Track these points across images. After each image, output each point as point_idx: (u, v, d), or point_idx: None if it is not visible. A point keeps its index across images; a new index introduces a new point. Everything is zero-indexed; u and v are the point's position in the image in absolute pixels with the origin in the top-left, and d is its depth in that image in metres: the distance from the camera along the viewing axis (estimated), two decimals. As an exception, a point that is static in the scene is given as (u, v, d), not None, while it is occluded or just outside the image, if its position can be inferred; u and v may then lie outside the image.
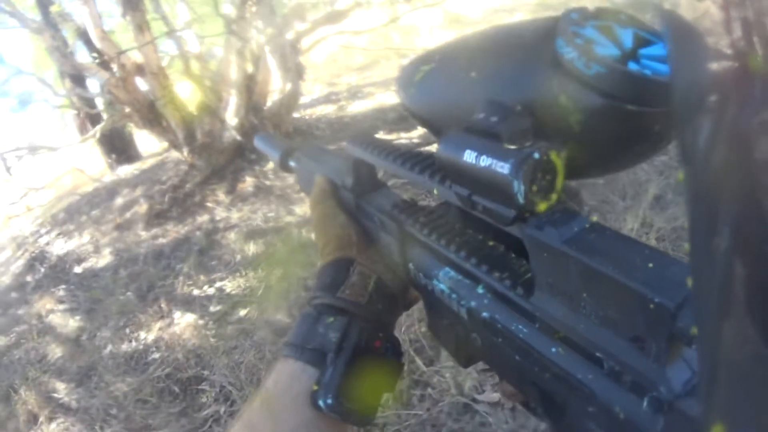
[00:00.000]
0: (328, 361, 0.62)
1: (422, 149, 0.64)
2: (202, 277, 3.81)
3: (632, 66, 0.41)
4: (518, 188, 0.43)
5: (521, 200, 0.43)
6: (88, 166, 5.88)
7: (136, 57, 4.81)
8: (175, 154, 5.58)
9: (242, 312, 3.32)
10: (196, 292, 3.70)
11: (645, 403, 0.38)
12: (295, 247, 3.71)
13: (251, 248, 3.91)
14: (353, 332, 0.65)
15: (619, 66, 0.40)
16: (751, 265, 0.26)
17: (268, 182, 4.64)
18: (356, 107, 6.29)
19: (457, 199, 0.52)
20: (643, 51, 0.42)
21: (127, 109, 4.99)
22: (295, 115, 5.82)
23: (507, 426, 2.06)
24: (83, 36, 5.44)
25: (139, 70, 4.88)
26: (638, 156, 0.47)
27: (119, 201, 5.51)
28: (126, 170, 6.43)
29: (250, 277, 3.63)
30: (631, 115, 0.41)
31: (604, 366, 0.41)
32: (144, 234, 4.65)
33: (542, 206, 0.45)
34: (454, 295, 0.59)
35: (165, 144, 5.94)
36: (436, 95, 0.58)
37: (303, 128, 5.60)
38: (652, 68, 0.41)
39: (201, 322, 3.37)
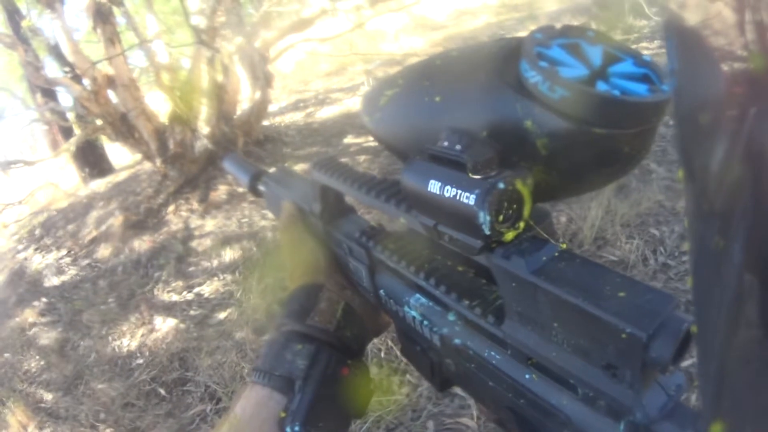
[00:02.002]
0: (296, 388, 0.63)
1: (388, 178, 0.64)
2: (180, 283, 3.91)
3: (600, 86, 0.40)
4: (484, 219, 0.42)
5: (487, 231, 0.43)
6: (62, 180, 5.91)
7: (107, 70, 4.86)
8: (147, 166, 5.64)
9: (222, 314, 3.43)
10: (175, 297, 3.81)
11: (621, 428, 0.39)
12: (271, 249, 3.82)
13: (227, 253, 4.02)
14: (321, 359, 0.65)
15: (585, 88, 0.39)
16: (759, 271, 0.27)
17: (240, 189, 4.71)
18: (324, 113, 6.39)
19: (423, 229, 0.51)
20: (613, 68, 0.42)
21: (100, 122, 5.04)
22: (265, 122, 5.91)
23: None
24: (54, 50, 5.48)
25: (111, 82, 4.92)
26: (608, 177, 0.46)
27: (95, 214, 5.56)
28: (99, 183, 6.47)
29: (228, 281, 3.74)
30: (599, 137, 0.40)
31: (579, 392, 0.42)
32: (121, 245, 4.72)
33: (509, 235, 0.44)
34: (425, 322, 0.58)
35: (137, 156, 5.95)
36: (400, 120, 0.56)
37: (273, 135, 5.69)
38: (621, 87, 0.40)
39: (182, 326, 3.47)
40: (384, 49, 8.06)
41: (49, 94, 6.42)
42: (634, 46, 0.47)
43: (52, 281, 4.81)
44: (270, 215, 4.12)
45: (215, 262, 3.99)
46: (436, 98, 0.50)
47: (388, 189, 0.61)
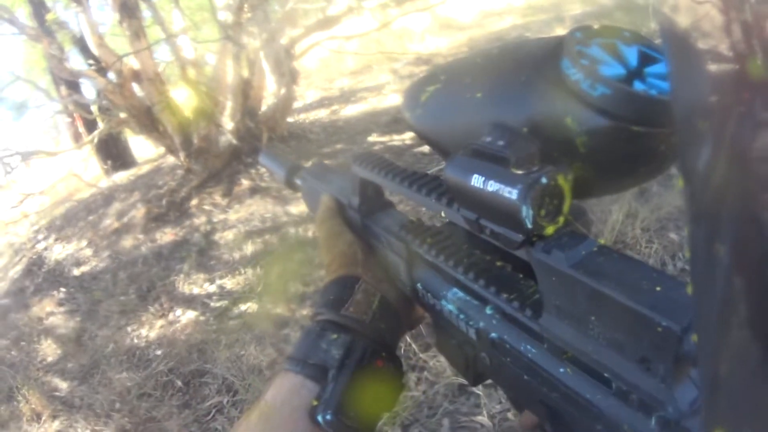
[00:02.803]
0: (329, 377, 0.62)
1: (428, 171, 0.64)
2: (202, 276, 3.88)
3: (638, 85, 0.40)
4: (526, 213, 0.43)
5: (529, 225, 0.43)
6: (84, 172, 5.92)
7: (132, 63, 4.86)
8: (170, 160, 5.66)
9: (242, 307, 3.39)
10: (196, 290, 3.77)
11: (653, 422, 0.39)
12: (293, 244, 3.79)
13: (249, 247, 3.98)
14: (356, 350, 0.65)
15: (624, 87, 0.40)
16: (749, 274, 0.27)
17: (263, 184, 4.71)
18: (349, 111, 6.38)
19: (464, 222, 0.52)
20: (649, 69, 0.42)
21: (124, 115, 5.06)
22: (290, 119, 5.90)
23: (500, 406, 2.11)
24: (79, 43, 5.49)
25: (136, 76, 4.94)
26: (645, 175, 0.47)
27: (116, 206, 5.56)
28: (122, 176, 6.49)
29: (249, 275, 3.69)
30: (636, 135, 0.41)
31: (612, 386, 0.42)
32: (142, 237, 4.71)
33: (550, 230, 0.45)
34: (462, 316, 0.59)
35: (160, 149, 6.03)
36: (442, 116, 0.57)
37: (297, 132, 5.68)
38: (657, 87, 0.40)
39: (202, 318, 3.44)
40: (410, 49, 8.06)
41: (73, 86, 6.42)
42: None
43: (72, 271, 4.80)
44: (293, 211, 4.10)
45: (237, 256, 3.95)
46: (478, 94, 0.52)
47: (429, 183, 0.61)
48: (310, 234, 3.82)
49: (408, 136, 4.84)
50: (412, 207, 3.13)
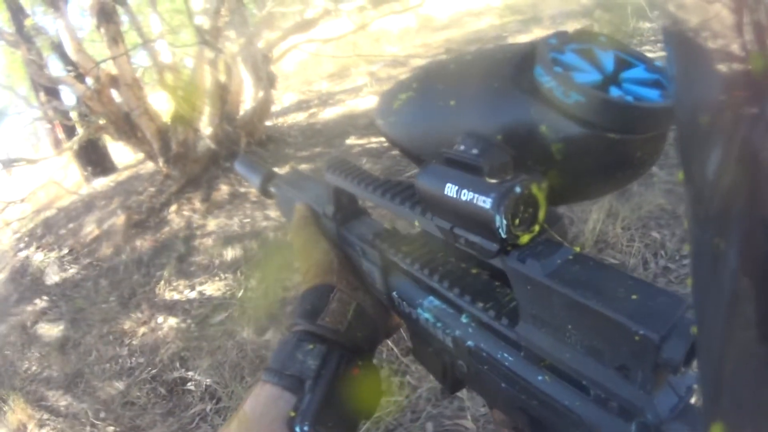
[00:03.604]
0: (306, 387, 0.63)
1: (401, 179, 0.66)
2: (182, 282, 3.93)
3: (613, 91, 0.41)
4: (500, 223, 0.43)
5: (503, 234, 0.43)
6: (64, 179, 5.93)
7: (110, 69, 4.87)
8: (149, 165, 5.67)
9: (223, 314, 3.44)
10: (177, 296, 3.82)
11: (633, 428, 0.39)
12: (272, 250, 3.84)
13: (229, 253, 4.03)
14: (332, 360, 0.65)
15: (599, 94, 0.40)
16: (756, 275, 0.26)
17: (242, 189, 4.75)
18: (327, 114, 6.40)
19: (438, 231, 0.52)
20: (625, 74, 0.43)
21: (103, 121, 5.05)
22: (268, 123, 5.93)
23: (484, 409, 2.13)
24: (57, 49, 5.48)
25: (114, 81, 4.93)
26: (622, 181, 0.47)
27: (97, 213, 5.58)
28: (102, 182, 6.49)
29: (229, 281, 3.75)
30: (612, 142, 0.41)
31: (591, 393, 0.42)
32: (123, 244, 4.73)
33: (525, 238, 0.45)
34: (438, 324, 0.59)
35: (139, 155, 6.00)
36: (414, 124, 0.57)
37: (276, 136, 5.71)
38: (633, 93, 0.41)
39: (183, 325, 3.48)
40: (387, 51, 8.08)
41: (52, 92, 6.43)
42: (638, 49, 0.47)
43: (54, 279, 4.82)
44: (272, 216, 4.15)
45: (217, 262, 4.00)
46: (451, 102, 0.51)
47: (403, 192, 0.61)
48: (288, 238, 3.83)
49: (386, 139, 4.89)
50: (387, 214, 3.18)
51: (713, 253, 0.28)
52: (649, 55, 0.45)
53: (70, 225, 5.65)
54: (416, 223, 0.58)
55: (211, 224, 4.50)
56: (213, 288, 3.76)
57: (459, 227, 0.48)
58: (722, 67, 0.27)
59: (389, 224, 0.74)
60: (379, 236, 0.70)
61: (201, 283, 3.85)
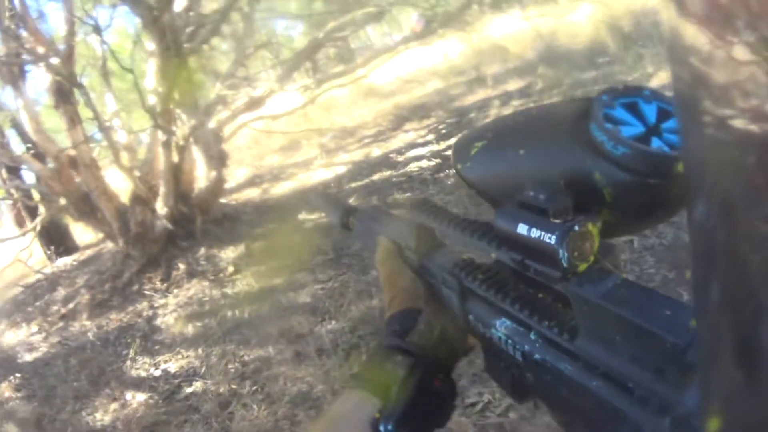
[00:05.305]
0: (392, 393, 0.68)
1: (477, 219, 0.73)
2: (147, 361, 4.22)
3: (655, 142, 0.48)
4: (563, 255, 0.51)
5: (565, 264, 0.51)
6: (29, 258, 6.12)
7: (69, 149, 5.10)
8: (111, 245, 5.92)
9: (188, 389, 3.73)
10: (143, 374, 4.11)
11: (667, 422, 0.44)
12: (230, 326, 4.17)
13: (190, 330, 4.34)
14: (418, 370, 0.70)
15: (641, 147, 0.47)
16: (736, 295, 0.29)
17: (200, 267, 5.09)
18: (279, 189, 6.72)
19: (512, 262, 0.60)
20: (665, 125, 0.49)
21: (63, 201, 5.29)
22: (224, 200, 6.22)
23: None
24: (18, 126, 5.64)
25: (73, 162, 5.21)
26: (661, 218, 0.55)
27: (62, 291, 5.83)
28: (65, 261, 6.74)
29: (191, 357, 4.05)
30: (653, 187, 0.48)
31: (634, 393, 0.48)
32: (89, 323, 5.00)
33: (582, 267, 0.52)
34: (510, 341, 0.65)
35: (101, 235, 6.22)
36: (489, 169, 0.65)
37: (231, 213, 6.03)
38: (672, 142, 0.48)
39: (152, 401, 3.76)
40: (336, 121, 8.39)
41: (14, 171, 6.53)
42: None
43: (25, 357, 5.03)
44: (230, 293, 4.44)
45: (178, 340, 4.30)
46: (521, 151, 0.59)
47: (480, 228, 0.70)
48: (246, 315, 4.23)
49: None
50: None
51: (703, 286, 0.31)
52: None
53: (37, 303, 5.91)
54: (492, 255, 0.66)
55: (172, 303, 4.80)
56: (176, 365, 4.04)
57: (529, 259, 0.57)
58: (727, 129, 0.26)
59: (465, 256, 0.79)
60: (458, 265, 0.75)
61: (165, 361, 4.13)
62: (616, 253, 0.56)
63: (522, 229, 0.55)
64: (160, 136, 5.14)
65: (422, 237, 0.84)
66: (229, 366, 3.76)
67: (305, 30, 6.66)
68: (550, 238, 0.52)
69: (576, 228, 0.51)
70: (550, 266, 0.53)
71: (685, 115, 0.31)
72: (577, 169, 0.52)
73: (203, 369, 3.87)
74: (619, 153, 0.48)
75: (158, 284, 5.11)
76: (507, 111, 6.81)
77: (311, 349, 3.54)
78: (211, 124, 5.80)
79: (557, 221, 0.52)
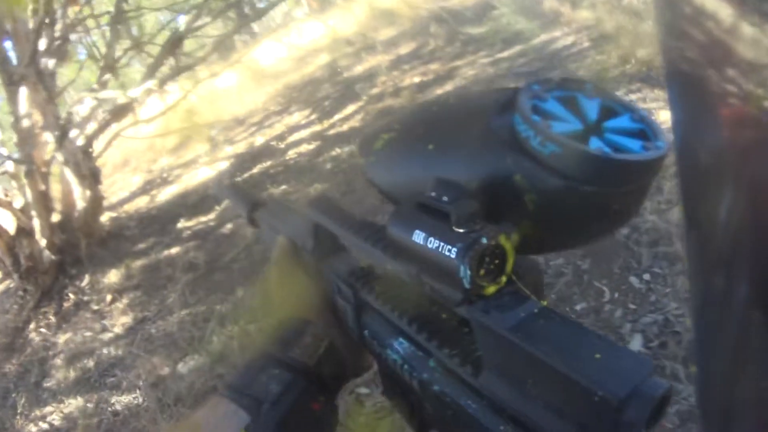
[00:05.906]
0: (263, 410, 0.63)
1: (378, 222, 0.66)
2: (37, 412, 4.17)
3: (594, 142, 0.41)
4: (464, 273, 0.43)
5: (467, 285, 0.43)
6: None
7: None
8: (7, 282, 5.87)
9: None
10: (34, 429, 4.06)
11: None
12: (106, 366, 4.13)
13: (71, 374, 4.29)
14: (295, 389, 0.65)
15: (575, 145, 0.40)
16: (756, 305, 0.28)
17: (85, 297, 5.01)
18: (164, 195, 6.53)
19: (407, 275, 0.52)
20: (608, 123, 0.42)
21: None
22: (110, 216, 6.09)
23: None
24: None
25: None
26: (596, 234, 0.47)
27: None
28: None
29: (72, 407, 4.01)
30: (588, 195, 0.41)
31: None
32: (-6, 371, 4.96)
33: (490, 289, 0.45)
34: (406, 366, 0.58)
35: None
36: (393, 166, 0.57)
37: (115, 230, 5.90)
38: (615, 143, 0.41)
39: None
40: (227, 110, 8.06)
41: None
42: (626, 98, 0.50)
43: None
44: (108, 325, 4.39)
45: (63, 386, 4.24)
46: (430, 146, 0.52)
47: (377, 233, 0.63)
48: (120, 353, 4.17)
49: (213, 216, 5.21)
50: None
51: (723, 290, 0.29)
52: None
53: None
54: (388, 267, 0.59)
55: (61, 341, 4.72)
56: (59, 418, 4.00)
57: (425, 274, 0.49)
58: (725, 109, 0.25)
59: (365, 263, 0.72)
60: (354, 274, 0.69)
61: (51, 413, 4.09)
62: (538, 277, 0.50)
63: (417, 237, 0.48)
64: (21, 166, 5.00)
65: (320, 238, 0.77)
66: (102, 418, 3.75)
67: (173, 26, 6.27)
68: (450, 251, 0.44)
69: (483, 240, 0.44)
70: (450, 285, 0.46)
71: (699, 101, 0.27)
72: (494, 170, 0.46)
73: (80, 420, 3.84)
74: (547, 152, 0.41)
75: (52, 319, 5.03)
76: (396, 75, 7.00)
77: (171, 395, 3.51)
78: (79, 141, 5.53)
79: (460, 230, 0.45)
